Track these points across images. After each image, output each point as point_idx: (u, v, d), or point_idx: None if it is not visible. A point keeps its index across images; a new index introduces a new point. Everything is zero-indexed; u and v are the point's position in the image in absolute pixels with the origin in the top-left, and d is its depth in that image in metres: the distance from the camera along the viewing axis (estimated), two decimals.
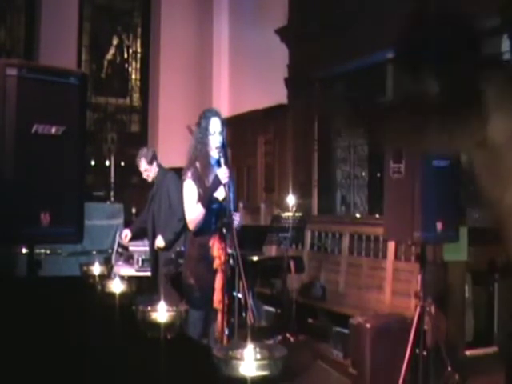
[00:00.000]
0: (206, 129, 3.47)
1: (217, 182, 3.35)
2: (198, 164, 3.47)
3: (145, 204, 5.28)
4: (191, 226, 3.45)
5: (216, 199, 3.41)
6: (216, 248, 3.36)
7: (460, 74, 2.04)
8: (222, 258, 3.33)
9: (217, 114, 3.54)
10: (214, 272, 3.36)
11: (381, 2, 6.18)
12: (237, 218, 3.43)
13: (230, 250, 3.31)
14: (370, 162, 7.07)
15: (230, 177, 3.41)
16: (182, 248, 4.74)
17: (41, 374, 2.25)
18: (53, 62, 6.13)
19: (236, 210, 3.60)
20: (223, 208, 3.33)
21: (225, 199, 3.34)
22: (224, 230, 3.33)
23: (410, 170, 3.50)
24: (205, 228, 3.43)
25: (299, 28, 7.47)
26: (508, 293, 4.71)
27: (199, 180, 3.42)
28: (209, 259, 3.38)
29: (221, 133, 3.48)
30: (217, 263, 3.35)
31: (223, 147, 3.46)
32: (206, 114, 3.54)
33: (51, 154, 2.33)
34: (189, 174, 3.45)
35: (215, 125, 3.48)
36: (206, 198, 3.38)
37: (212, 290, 3.35)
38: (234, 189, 3.63)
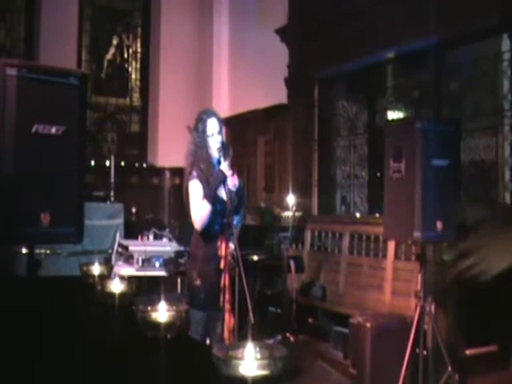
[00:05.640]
0: (204, 131, 3.47)
1: (221, 176, 3.36)
2: (202, 166, 3.47)
3: (144, 204, 5.28)
4: (197, 224, 3.44)
5: (219, 199, 3.41)
6: (223, 248, 3.37)
7: None
8: (228, 258, 3.33)
9: (213, 115, 3.53)
10: (221, 272, 3.36)
11: (381, 2, 6.18)
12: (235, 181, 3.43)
13: (231, 250, 3.32)
14: (370, 162, 7.07)
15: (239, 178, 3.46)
16: (182, 248, 4.74)
17: (41, 374, 2.25)
18: (53, 62, 6.13)
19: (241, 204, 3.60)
20: (227, 209, 3.34)
21: (229, 199, 3.34)
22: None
23: (410, 169, 3.50)
24: (209, 228, 3.44)
25: (299, 28, 7.46)
26: (508, 293, 4.71)
27: (206, 181, 3.42)
28: (215, 259, 3.38)
29: (219, 132, 3.48)
30: (223, 263, 3.35)
31: (223, 146, 3.46)
32: (202, 116, 3.52)
33: (51, 154, 2.33)
34: (194, 174, 3.45)
35: (213, 126, 3.48)
36: (212, 193, 3.38)
37: (218, 290, 3.35)
38: (243, 186, 3.64)
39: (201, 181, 3.43)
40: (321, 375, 4.43)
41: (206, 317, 3.44)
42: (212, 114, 3.54)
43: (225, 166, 3.37)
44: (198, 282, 3.47)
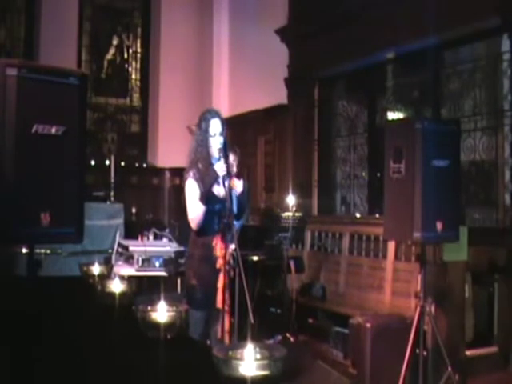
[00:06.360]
0: (206, 131, 3.48)
1: (214, 176, 3.37)
2: (199, 165, 3.48)
3: (144, 204, 5.29)
4: (193, 224, 3.45)
5: (217, 198, 3.41)
6: (219, 248, 3.37)
7: None
8: (227, 258, 3.33)
9: (217, 115, 3.54)
10: (217, 272, 3.36)
11: (381, 2, 6.18)
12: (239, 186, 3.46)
13: (231, 250, 3.31)
14: (370, 162, 7.07)
15: (243, 178, 3.47)
16: (182, 248, 4.74)
17: (41, 374, 2.25)
18: (53, 62, 6.12)
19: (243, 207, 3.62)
20: (225, 209, 3.33)
21: (225, 198, 3.34)
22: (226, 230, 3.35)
23: (410, 169, 3.50)
24: (207, 228, 3.44)
25: (299, 28, 7.46)
26: (508, 293, 4.71)
27: (202, 180, 3.43)
28: (212, 259, 3.38)
29: (221, 133, 3.49)
30: (220, 263, 3.35)
31: (224, 147, 3.47)
32: (206, 115, 3.54)
33: (51, 154, 2.33)
34: (191, 173, 3.46)
35: (215, 126, 3.48)
36: (205, 193, 3.39)
37: (215, 289, 3.34)
38: (246, 187, 3.65)
39: (196, 180, 3.44)
40: (321, 375, 4.42)
41: (204, 316, 3.45)
42: (216, 114, 3.55)
43: (219, 166, 3.38)
44: (194, 282, 3.48)
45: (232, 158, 4.79)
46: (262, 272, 5.32)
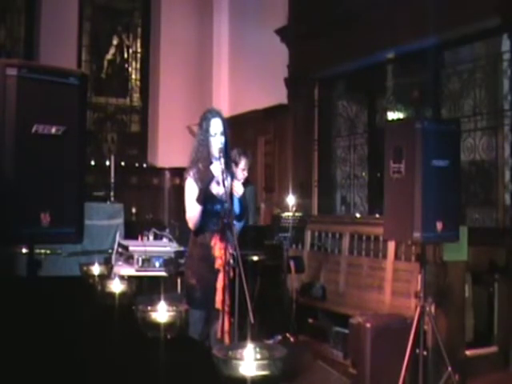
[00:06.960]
0: (207, 130, 3.48)
1: (210, 176, 3.37)
2: (200, 165, 3.48)
3: (144, 204, 5.29)
4: (190, 224, 3.46)
5: (216, 198, 3.41)
6: (218, 248, 3.37)
7: None
8: (224, 258, 3.33)
9: (217, 115, 3.54)
10: (216, 272, 3.36)
11: (381, 2, 6.18)
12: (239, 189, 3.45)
13: (231, 250, 3.31)
14: (369, 162, 7.07)
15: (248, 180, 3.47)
16: (182, 248, 4.74)
17: (41, 375, 2.25)
18: (53, 62, 6.13)
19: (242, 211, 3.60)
20: (225, 209, 3.33)
21: (230, 200, 3.34)
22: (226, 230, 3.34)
23: (410, 169, 3.50)
24: (206, 228, 3.44)
25: (299, 28, 7.47)
26: (508, 293, 4.71)
27: (201, 180, 3.43)
28: (210, 259, 3.39)
29: (222, 133, 3.48)
30: (218, 263, 3.35)
31: (225, 147, 3.46)
32: (207, 115, 3.54)
33: (51, 154, 2.33)
34: (190, 173, 3.47)
35: (216, 126, 3.48)
36: (200, 193, 3.39)
37: (214, 289, 3.35)
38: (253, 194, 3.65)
39: (196, 180, 3.44)
40: (321, 375, 4.43)
41: (204, 316, 3.45)
42: (217, 114, 3.55)
43: (215, 166, 3.38)
44: (193, 281, 3.48)
45: (244, 162, 4.81)
46: (262, 272, 5.31)
